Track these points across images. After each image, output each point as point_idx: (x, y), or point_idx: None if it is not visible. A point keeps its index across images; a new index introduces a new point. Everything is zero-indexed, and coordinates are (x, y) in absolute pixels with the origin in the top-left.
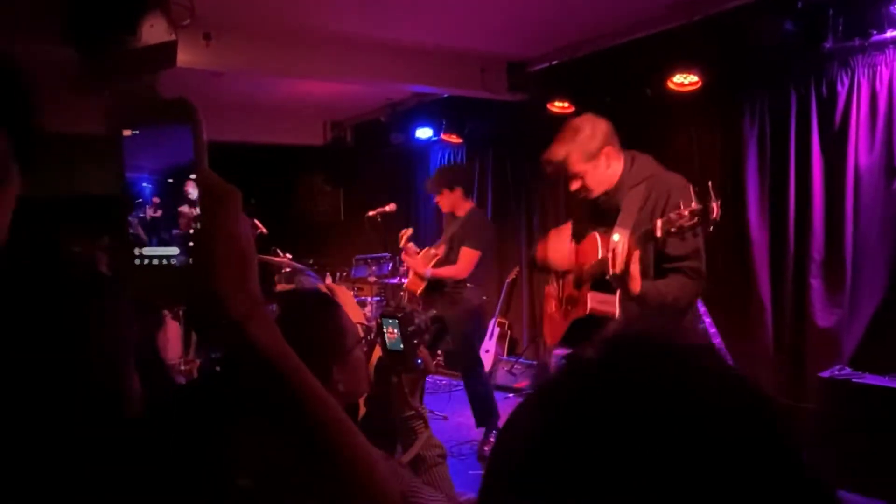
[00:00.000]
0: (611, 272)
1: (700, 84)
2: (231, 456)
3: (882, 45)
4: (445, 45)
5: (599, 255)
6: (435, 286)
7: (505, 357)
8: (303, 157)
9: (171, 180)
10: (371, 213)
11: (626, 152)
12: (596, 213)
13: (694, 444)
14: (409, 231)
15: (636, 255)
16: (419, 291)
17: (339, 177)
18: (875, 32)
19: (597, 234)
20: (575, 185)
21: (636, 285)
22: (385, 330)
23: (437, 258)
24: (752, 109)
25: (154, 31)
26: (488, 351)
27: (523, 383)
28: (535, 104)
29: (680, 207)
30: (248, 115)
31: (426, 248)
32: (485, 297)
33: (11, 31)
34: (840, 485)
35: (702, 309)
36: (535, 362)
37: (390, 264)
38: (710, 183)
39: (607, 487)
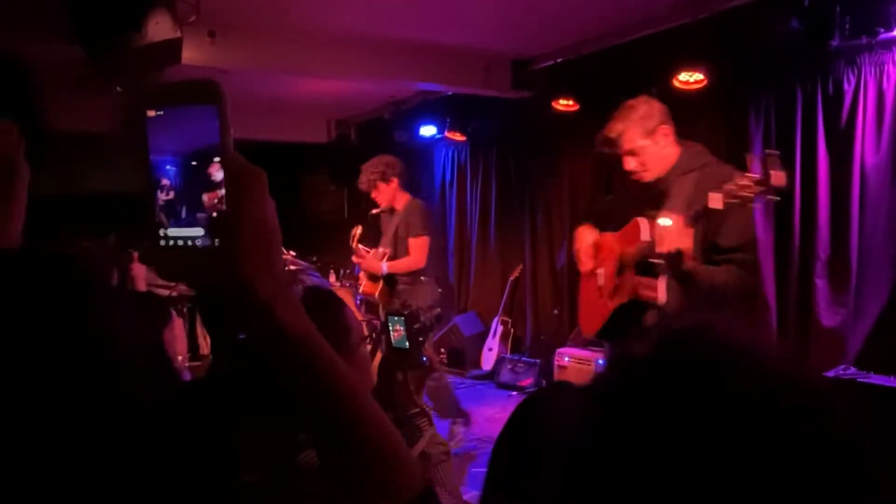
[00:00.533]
0: (660, 251)
1: (706, 82)
2: (234, 455)
3: (889, 44)
4: (450, 42)
5: (643, 239)
6: (391, 285)
7: (508, 355)
8: (307, 154)
9: (195, 162)
10: (375, 212)
11: (681, 140)
12: (637, 201)
13: (746, 448)
14: (359, 229)
15: (689, 232)
16: (377, 293)
17: (342, 175)
18: (882, 30)
19: (641, 219)
20: (630, 164)
21: (688, 262)
22: (391, 328)
23: (387, 255)
24: (758, 108)
25: (159, 28)
26: (492, 349)
27: (526, 381)
28: (540, 102)
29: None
30: (253, 113)
31: (374, 249)
32: (440, 290)
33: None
34: None
35: None
36: (538, 361)
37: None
38: (777, 152)
39: (661, 488)
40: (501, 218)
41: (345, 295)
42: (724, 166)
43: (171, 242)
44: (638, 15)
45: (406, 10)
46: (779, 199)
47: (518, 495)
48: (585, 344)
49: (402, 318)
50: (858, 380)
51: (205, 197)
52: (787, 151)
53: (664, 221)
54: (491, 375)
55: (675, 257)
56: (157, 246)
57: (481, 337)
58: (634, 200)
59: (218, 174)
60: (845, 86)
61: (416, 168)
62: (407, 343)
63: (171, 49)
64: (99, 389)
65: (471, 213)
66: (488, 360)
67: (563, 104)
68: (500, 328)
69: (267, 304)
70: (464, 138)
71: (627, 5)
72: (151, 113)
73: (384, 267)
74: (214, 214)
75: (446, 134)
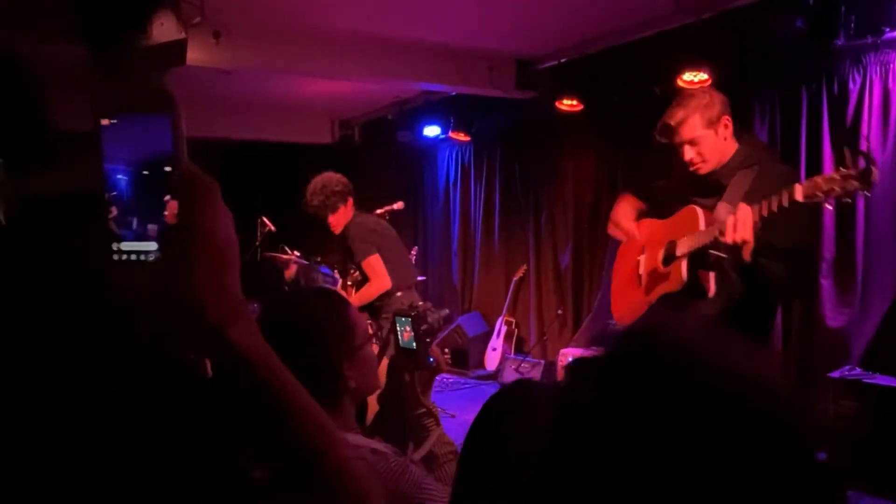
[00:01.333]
0: (729, 239)
1: (710, 82)
2: (242, 451)
3: (895, 43)
4: (454, 42)
5: (701, 227)
6: (370, 311)
7: (512, 355)
8: (311, 155)
9: (148, 172)
10: (379, 212)
11: (746, 135)
12: (689, 191)
13: (696, 445)
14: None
15: (756, 224)
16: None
17: (346, 175)
18: (888, 29)
19: (697, 208)
20: (689, 155)
21: (748, 254)
22: (399, 329)
23: (355, 285)
24: (763, 108)
25: (164, 29)
26: (495, 349)
27: None
28: (544, 102)
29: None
30: (257, 114)
31: (338, 284)
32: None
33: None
34: (850, 485)
35: None
36: (542, 361)
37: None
38: (867, 145)
39: (618, 487)
40: (505, 218)
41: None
42: (783, 165)
43: (124, 257)
44: (642, 15)
45: (410, 10)
46: (869, 194)
47: (486, 492)
48: (590, 343)
49: (410, 319)
50: (864, 380)
51: (157, 209)
52: (791, 151)
53: (728, 211)
54: (495, 375)
55: (740, 247)
56: (110, 259)
57: (485, 337)
58: (686, 190)
59: (170, 184)
60: (850, 85)
61: (419, 168)
62: (414, 344)
63: (176, 50)
64: (92, 390)
65: (475, 213)
66: (492, 360)
67: (568, 104)
68: (504, 328)
69: (218, 324)
70: (468, 138)
71: (631, 5)
72: (105, 121)
73: (355, 301)
74: (168, 226)
75: (450, 134)
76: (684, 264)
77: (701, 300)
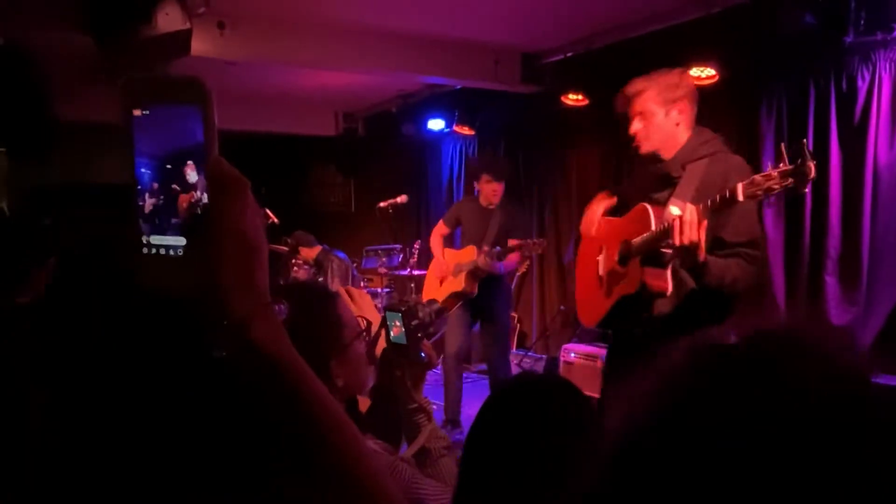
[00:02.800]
0: (677, 241)
1: (717, 77)
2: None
3: None
4: (459, 35)
5: (653, 228)
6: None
7: (514, 350)
8: (314, 147)
9: (175, 165)
10: (382, 205)
11: (697, 126)
12: (643, 187)
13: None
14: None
15: (704, 224)
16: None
17: (350, 168)
18: None
19: (649, 206)
20: (634, 128)
21: (702, 254)
22: (389, 323)
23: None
24: (770, 103)
25: (169, 19)
26: None
27: None
28: (549, 96)
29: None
30: (261, 105)
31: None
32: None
33: (28, 20)
34: None
35: None
36: (544, 356)
37: (400, 255)
38: (803, 141)
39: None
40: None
41: (362, 296)
42: (733, 156)
43: (154, 251)
44: (649, 9)
45: (416, 2)
46: (806, 192)
47: (492, 491)
48: (594, 338)
49: (400, 313)
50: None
51: (186, 202)
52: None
53: (676, 210)
54: None
55: (690, 249)
56: (140, 254)
57: None
58: (645, 185)
59: (191, 175)
60: (859, 82)
61: (423, 162)
62: (405, 339)
63: (181, 40)
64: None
65: None
66: None
67: (573, 99)
68: None
69: (243, 321)
70: (472, 132)
71: (639, 0)
72: (137, 112)
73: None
74: (197, 221)
75: (454, 128)
76: (639, 265)
77: (658, 299)
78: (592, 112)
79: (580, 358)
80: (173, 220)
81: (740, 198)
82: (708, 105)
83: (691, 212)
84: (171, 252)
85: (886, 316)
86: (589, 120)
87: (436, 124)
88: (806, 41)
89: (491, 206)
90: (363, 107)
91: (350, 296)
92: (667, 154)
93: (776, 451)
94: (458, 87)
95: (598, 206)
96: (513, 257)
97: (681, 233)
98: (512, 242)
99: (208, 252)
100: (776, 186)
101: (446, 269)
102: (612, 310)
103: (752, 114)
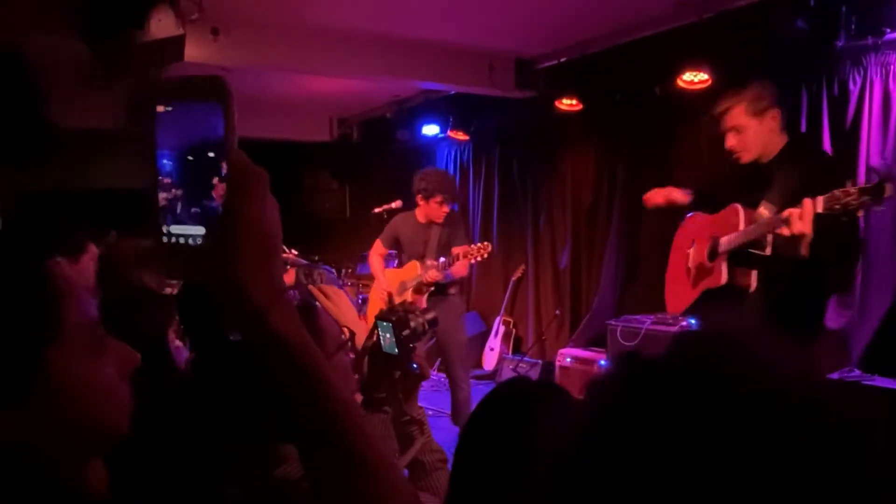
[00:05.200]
0: (789, 232)
1: (710, 82)
2: (216, 468)
3: (895, 44)
4: (453, 41)
5: (741, 227)
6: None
7: (510, 355)
8: (309, 153)
9: (199, 159)
10: (377, 210)
11: (790, 130)
12: (737, 183)
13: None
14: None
15: (814, 219)
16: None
17: (345, 173)
18: (889, 30)
19: (739, 207)
20: (731, 142)
21: (805, 248)
22: (380, 333)
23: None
24: None
25: (162, 25)
26: (493, 349)
27: None
28: (543, 102)
29: (845, 186)
30: (255, 111)
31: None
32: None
33: (21, 26)
34: None
35: None
36: (539, 361)
37: (396, 261)
38: (882, 161)
39: (656, 487)
40: (504, 218)
41: (337, 294)
42: (830, 161)
43: (174, 240)
44: (642, 15)
45: (410, 8)
46: (882, 208)
47: (489, 494)
48: (589, 343)
49: (390, 324)
50: (863, 382)
51: (208, 194)
52: None
53: (770, 210)
54: (492, 376)
55: (798, 239)
56: (160, 243)
57: (483, 337)
58: (732, 186)
59: (222, 170)
60: (851, 86)
61: (418, 167)
62: (396, 349)
63: (174, 46)
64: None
65: (473, 213)
66: (490, 361)
67: (567, 104)
68: (502, 328)
69: (260, 309)
70: (466, 138)
71: (632, 5)
72: (161, 108)
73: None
74: (217, 211)
75: (449, 133)
76: (725, 262)
77: (742, 297)
78: (586, 117)
79: (576, 363)
80: (193, 210)
81: (819, 209)
82: (700, 111)
83: (808, 204)
84: (191, 241)
85: (880, 319)
86: (583, 125)
87: (430, 130)
88: (797, 46)
89: (430, 222)
90: (358, 112)
91: (325, 294)
92: (765, 159)
93: (692, 455)
94: (453, 92)
95: (671, 191)
96: (461, 265)
97: (799, 220)
98: (456, 251)
99: (228, 241)
100: (854, 203)
101: (390, 289)
102: (696, 301)
103: None
